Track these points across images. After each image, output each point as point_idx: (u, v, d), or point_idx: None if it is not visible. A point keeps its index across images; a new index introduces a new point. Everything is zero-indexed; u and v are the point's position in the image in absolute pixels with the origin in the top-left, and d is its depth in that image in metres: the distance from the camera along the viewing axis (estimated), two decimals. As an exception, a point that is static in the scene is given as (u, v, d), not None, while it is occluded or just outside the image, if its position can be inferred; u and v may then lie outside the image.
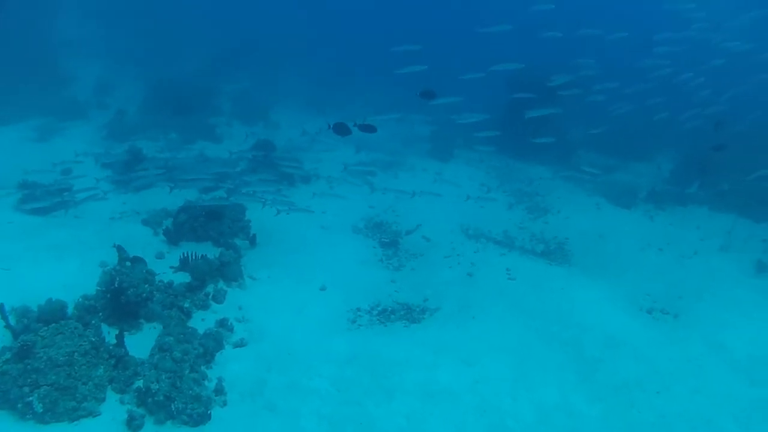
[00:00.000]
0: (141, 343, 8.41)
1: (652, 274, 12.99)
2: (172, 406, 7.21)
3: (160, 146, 18.86)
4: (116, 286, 8.82)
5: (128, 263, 9.53)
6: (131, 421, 7.02)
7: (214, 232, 12.28)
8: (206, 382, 7.92)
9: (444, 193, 15.78)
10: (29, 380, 6.99)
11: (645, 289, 12.26)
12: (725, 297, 12.03)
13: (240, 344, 8.98)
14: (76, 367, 7.26)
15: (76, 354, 7.33)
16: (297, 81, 29.21)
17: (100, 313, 8.86)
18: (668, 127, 20.08)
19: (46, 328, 7.60)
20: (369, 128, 12.35)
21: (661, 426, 8.16)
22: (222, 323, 9.23)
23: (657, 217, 16.82)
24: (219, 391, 7.80)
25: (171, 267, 10.81)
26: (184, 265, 10.68)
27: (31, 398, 6.90)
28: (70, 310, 8.61)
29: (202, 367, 8.16)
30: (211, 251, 11.21)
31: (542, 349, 9.64)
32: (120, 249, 9.74)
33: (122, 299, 8.79)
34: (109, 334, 8.20)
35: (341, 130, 11.70)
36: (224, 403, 7.69)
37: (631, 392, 8.80)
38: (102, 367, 7.55)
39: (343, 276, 11.71)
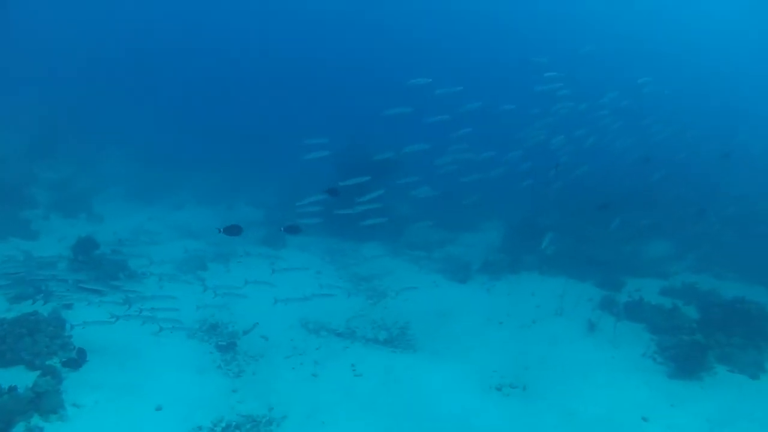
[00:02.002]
0: None
1: (496, 349, 13.43)
2: None
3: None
4: None
5: None
6: None
7: (27, 353, 11.00)
8: None
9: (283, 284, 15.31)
10: None
11: (492, 365, 12.62)
12: (566, 361, 12.73)
13: (62, 495, 7.99)
14: None
15: None
16: (122, 165, 27.84)
17: None
18: (498, 195, 21.13)
19: None
20: (294, 229, 13.03)
21: None
22: (38, 472, 8.17)
23: (493, 289, 17.58)
24: None
25: (-28, 407, 9.45)
26: (-12, 402, 9.39)
27: None
28: None
29: None
30: (23, 378, 10.01)
31: (398, 451, 9.54)
32: None
33: None
34: None
35: (233, 231, 12.19)
36: None
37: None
38: None
39: (180, 390, 10.96)
